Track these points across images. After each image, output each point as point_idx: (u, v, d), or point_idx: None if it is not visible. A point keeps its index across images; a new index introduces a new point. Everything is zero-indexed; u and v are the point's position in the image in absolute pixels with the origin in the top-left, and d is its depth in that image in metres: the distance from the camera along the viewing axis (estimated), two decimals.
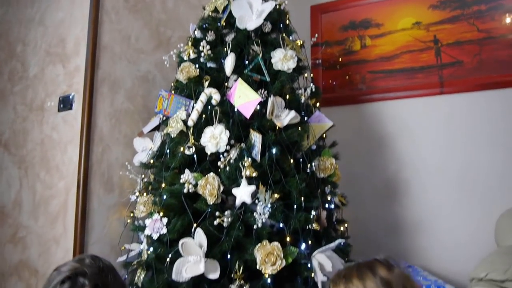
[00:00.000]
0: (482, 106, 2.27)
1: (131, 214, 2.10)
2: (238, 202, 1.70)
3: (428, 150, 2.34)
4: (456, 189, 2.23)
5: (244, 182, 1.69)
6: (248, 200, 1.67)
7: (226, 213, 1.72)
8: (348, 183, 2.29)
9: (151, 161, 2.05)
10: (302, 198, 1.76)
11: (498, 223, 1.89)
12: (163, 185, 1.87)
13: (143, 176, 2.13)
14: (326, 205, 2.00)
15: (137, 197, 2.06)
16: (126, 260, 1.98)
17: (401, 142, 2.42)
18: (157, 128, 2.14)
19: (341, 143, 2.18)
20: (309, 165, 1.89)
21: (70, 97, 2.16)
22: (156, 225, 1.80)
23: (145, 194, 2.04)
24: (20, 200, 2.25)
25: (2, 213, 2.29)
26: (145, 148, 2.10)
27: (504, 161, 2.16)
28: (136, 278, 1.86)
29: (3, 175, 2.34)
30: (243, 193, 1.68)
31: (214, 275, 1.65)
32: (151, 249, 1.82)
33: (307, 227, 1.77)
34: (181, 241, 1.65)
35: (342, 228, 2.07)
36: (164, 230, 1.77)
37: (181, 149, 1.84)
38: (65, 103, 2.17)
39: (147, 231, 1.80)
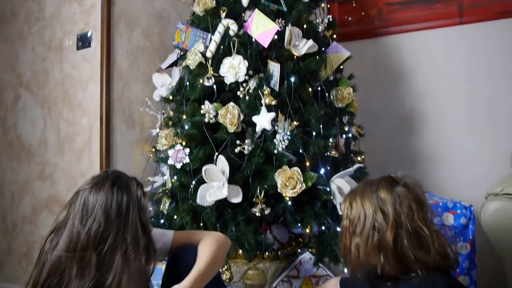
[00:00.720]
0: (502, 34, 2.23)
1: (153, 149, 2.16)
2: (258, 129, 1.74)
3: (446, 81, 2.32)
4: (474, 119, 2.23)
5: (263, 109, 1.72)
6: (268, 126, 1.71)
7: (246, 141, 1.77)
8: (365, 116, 2.30)
9: (171, 96, 2.09)
10: (321, 126, 1.79)
11: None
12: (184, 117, 1.91)
13: (163, 111, 2.18)
14: (344, 135, 2.03)
15: (159, 131, 2.11)
16: (151, 191, 2.07)
17: (419, 75, 2.40)
18: (175, 64, 2.15)
19: (358, 76, 2.17)
20: (327, 95, 1.90)
21: (88, 34, 2.17)
22: (179, 155, 1.86)
23: (166, 128, 2.09)
24: (45, 138, 2.32)
25: (29, 152, 2.38)
26: (164, 83, 2.12)
27: None
28: (161, 206, 1.94)
29: (27, 115, 2.40)
30: (263, 119, 1.71)
31: (237, 199, 1.71)
32: (175, 177, 1.89)
33: (326, 154, 1.81)
34: (204, 167, 1.71)
35: (359, 159, 2.11)
36: (187, 160, 1.82)
37: (200, 81, 1.86)
38: (83, 41, 2.19)
39: (170, 161, 1.86)
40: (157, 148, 2.09)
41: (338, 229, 1.79)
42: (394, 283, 1.03)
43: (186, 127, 1.86)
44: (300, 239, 2.03)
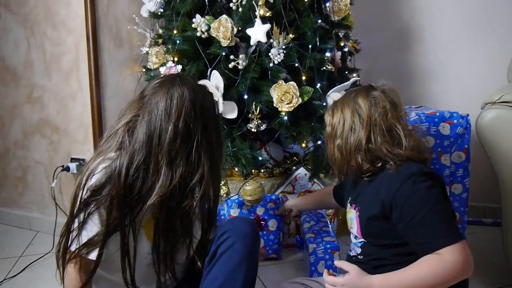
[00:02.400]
0: None
1: (144, 68, 2.10)
2: (253, 42, 1.68)
3: None
4: (471, 31, 2.17)
5: (258, 21, 1.66)
6: (263, 39, 1.65)
7: (241, 56, 1.72)
8: (361, 31, 2.24)
9: (160, 11, 1.99)
10: (317, 39, 1.73)
11: (510, 64, 1.88)
12: (175, 32, 1.83)
13: (152, 28, 2.09)
14: (340, 50, 1.98)
15: (148, 49, 2.04)
16: None
17: None
18: None
19: None
20: (323, 6, 1.83)
21: None
22: (171, 72, 1.80)
23: (156, 46, 2.02)
24: (30, 60, 2.24)
25: (14, 75, 2.30)
26: None
27: None
28: None
29: (9, 36, 2.29)
30: (257, 31, 1.65)
31: (232, 115, 1.70)
32: None
33: (322, 68, 1.78)
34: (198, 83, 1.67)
35: (354, 75, 2.08)
36: None
37: None
38: None
39: None
40: (148, 66, 2.03)
41: None
42: (371, 178, 1.11)
43: (178, 42, 1.80)
44: (295, 157, 2.05)
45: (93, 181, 0.94)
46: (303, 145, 1.77)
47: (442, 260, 0.93)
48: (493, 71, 2.01)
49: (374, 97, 1.11)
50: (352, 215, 1.18)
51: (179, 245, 1.04)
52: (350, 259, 1.17)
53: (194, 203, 0.99)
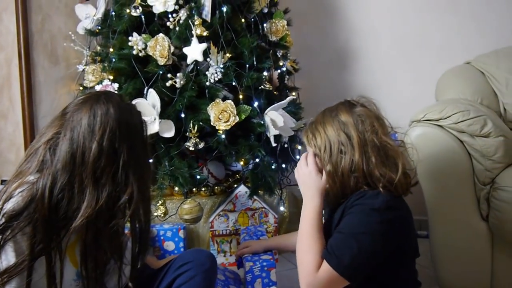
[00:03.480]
0: None
1: (80, 87, 2.05)
2: (189, 60, 1.68)
3: (377, 16, 2.34)
4: (403, 53, 2.29)
5: (195, 40, 1.66)
6: (200, 58, 1.66)
7: (178, 74, 1.71)
8: (300, 52, 2.30)
9: (97, 29, 1.96)
10: (254, 58, 1.76)
11: (438, 82, 1.99)
12: (111, 50, 1.81)
13: (89, 46, 2.05)
14: (278, 70, 2.02)
15: (85, 67, 1.99)
16: None
17: (351, 10, 2.40)
18: None
19: (293, 11, 2.14)
20: (260, 27, 1.87)
21: None
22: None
23: (92, 63, 1.97)
24: None
25: None
26: (88, 15, 1.98)
27: (449, 25, 2.22)
28: None
29: None
30: (194, 51, 1.66)
31: (169, 133, 1.68)
32: None
33: (260, 87, 1.80)
34: (134, 101, 1.64)
35: (293, 94, 2.12)
36: None
37: (127, 10, 1.76)
38: None
39: None
40: (84, 85, 1.98)
41: (272, 160, 1.83)
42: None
43: (114, 60, 1.77)
44: (237, 175, 2.05)
45: (9, 205, 0.88)
46: (242, 163, 1.78)
47: (314, 270, 0.96)
48: (423, 91, 2.11)
49: (359, 114, 1.04)
50: None
51: (110, 269, 1.01)
52: None
53: (123, 222, 0.96)
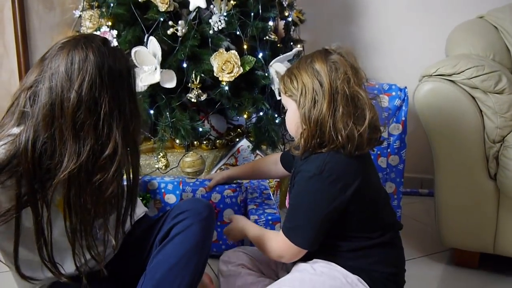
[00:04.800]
0: None
1: (77, 33, 1.96)
2: (192, 7, 1.60)
3: None
4: (413, 8, 2.20)
5: None
6: (203, 5, 1.58)
7: (180, 22, 1.63)
8: (306, 2, 2.21)
9: None
10: (260, 7, 1.68)
11: (449, 37, 1.92)
12: None
13: None
14: (284, 20, 1.94)
15: (81, 13, 1.90)
16: None
17: None
18: None
19: None
20: None
21: None
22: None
23: (89, 9, 1.88)
24: None
25: None
26: None
27: None
28: None
29: None
30: None
31: (171, 84, 1.62)
32: None
33: (264, 38, 1.73)
34: (133, 50, 1.58)
35: (299, 46, 2.05)
36: (115, 42, 1.67)
37: None
38: None
39: None
40: (81, 31, 1.89)
41: (276, 114, 1.78)
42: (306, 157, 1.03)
43: (112, 5, 1.68)
44: (239, 129, 2.01)
45: None
46: (245, 116, 1.73)
47: (270, 242, 1.07)
48: (433, 47, 2.05)
49: (334, 61, 0.99)
50: None
51: (99, 224, 0.98)
52: None
53: (106, 179, 0.90)
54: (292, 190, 1.07)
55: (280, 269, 1.22)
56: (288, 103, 1.07)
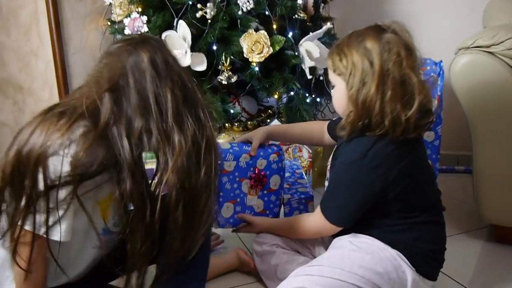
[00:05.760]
0: None
1: (108, 22, 2.00)
2: None
3: None
4: None
5: None
6: None
7: (208, 5, 1.63)
8: None
9: None
10: None
11: (486, 8, 1.85)
12: None
13: None
14: None
15: (112, 1, 1.93)
16: None
17: None
18: None
19: None
20: None
21: None
22: (136, 24, 1.72)
23: None
24: None
25: None
26: None
27: None
28: None
29: None
30: None
31: (201, 67, 1.64)
32: None
33: (294, 16, 1.71)
34: (164, 34, 1.60)
35: (328, 24, 2.01)
36: (145, 28, 1.70)
37: None
38: None
39: (127, 31, 1.73)
40: (112, 19, 1.93)
41: (307, 94, 1.77)
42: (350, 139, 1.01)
43: None
44: (270, 110, 2.01)
45: (74, 150, 0.78)
46: (276, 96, 1.73)
47: (304, 223, 1.10)
48: (470, 19, 1.97)
49: (387, 41, 0.94)
50: None
51: None
52: None
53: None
54: (333, 170, 1.07)
55: (317, 246, 1.23)
56: (336, 81, 1.02)
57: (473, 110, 1.38)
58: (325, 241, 1.17)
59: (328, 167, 1.14)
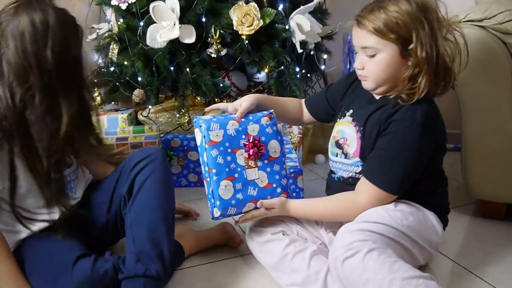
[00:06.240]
0: None
1: None
2: None
3: None
4: None
5: None
6: None
7: None
8: None
9: None
10: None
11: None
12: None
13: None
14: None
15: None
16: (96, 39, 1.91)
17: None
18: None
19: None
20: None
21: None
22: None
23: None
24: None
25: None
26: None
27: None
28: (110, 53, 1.81)
29: None
30: None
31: (190, 39, 1.60)
32: (121, 20, 1.73)
33: None
34: (152, 5, 1.56)
35: None
36: None
37: None
38: None
39: (114, 2, 1.69)
40: None
41: (297, 68, 1.75)
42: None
43: None
44: (260, 86, 1.99)
45: None
46: (266, 70, 1.70)
47: (355, 202, 1.00)
48: None
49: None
50: (350, 132, 1.07)
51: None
52: (340, 181, 1.11)
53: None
54: (384, 139, 1.00)
55: (322, 229, 1.15)
56: (384, 46, 0.97)
57: (463, 85, 1.38)
58: (333, 225, 1.12)
59: (358, 135, 1.05)
